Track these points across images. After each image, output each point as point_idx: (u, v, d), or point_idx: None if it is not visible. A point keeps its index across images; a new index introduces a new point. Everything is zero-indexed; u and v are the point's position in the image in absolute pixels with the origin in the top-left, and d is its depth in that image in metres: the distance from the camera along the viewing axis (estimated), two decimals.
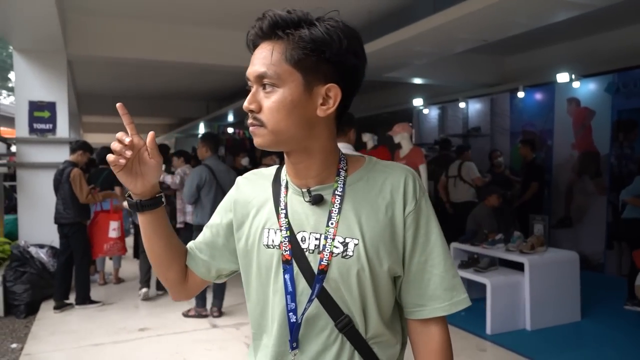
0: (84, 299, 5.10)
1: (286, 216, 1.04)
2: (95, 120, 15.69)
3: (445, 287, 1.03)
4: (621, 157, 6.19)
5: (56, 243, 5.61)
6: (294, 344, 1.02)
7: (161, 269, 1.15)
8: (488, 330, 4.18)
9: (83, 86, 10.06)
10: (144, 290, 5.38)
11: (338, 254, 0.99)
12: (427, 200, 1.05)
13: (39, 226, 5.66)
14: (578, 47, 6.76)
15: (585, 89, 6.61)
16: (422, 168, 5.39)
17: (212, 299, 4.81)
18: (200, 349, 4.02)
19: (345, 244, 0.99)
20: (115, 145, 1.01)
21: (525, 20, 4.77)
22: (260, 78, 0.97)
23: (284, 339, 1.03)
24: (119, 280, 6.15)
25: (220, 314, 4.79)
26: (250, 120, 0.99)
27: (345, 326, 1.00)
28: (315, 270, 1.00)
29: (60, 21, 4.79)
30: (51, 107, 5.79)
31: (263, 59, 0.96)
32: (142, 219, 1.09)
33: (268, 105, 0.97)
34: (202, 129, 15.43)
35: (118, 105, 1.03)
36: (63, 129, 5.87)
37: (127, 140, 1.00)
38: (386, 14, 5.76)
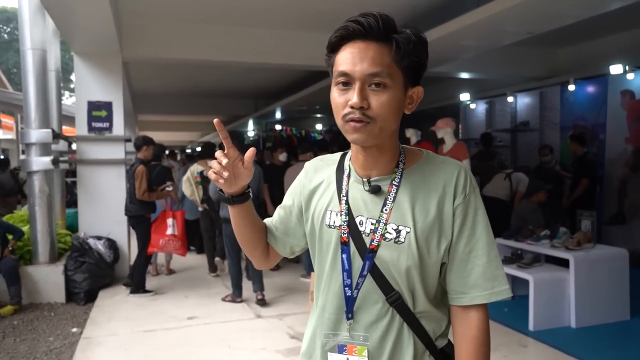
0: (138, 288, 5.39)
1: (347, 202, 1.15)
2: (149, 119, 16.30)
3: (487, 277, 1.11)
4: None
5: (113, 235, 5.97)
6: (349, 315, 1.13)
7: (249, 249, 1.31)
8: (530, 327, 4.13)
9: (138, 86, 10.49)
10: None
11: (391, 239, 1.10)
12: (477, 195, 1.13)
13: (97, 219, 6.01)
14: (632, 37, 6.48)
15: None
16: (466, 163, 5.36)
17: (252, 284, 5.09)
18: (245, 337, 4.18)
19: (398, 231, 1.09)
20: (214, 165, 1.13)
21: (574, 10, 4.63)
22: (371, 77, 1.03)
23: (341, 309, 1.15)
24: (171, 272, 6.43)
25: (263, 297, 5.04)
26: (357, 116, 1.03)
27: (396, 301, 1.10)
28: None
29: (115, 25, 5.06)
30: (108, 106, 6.11)
31: (373, 59, 1.02)
32: (232, 210, 1.22)
33: (379, 102, 1.03)
34: (251, 126, 15.76)
35: (215, 121, 1.14)
36: (119, 127, 6.18)
37: (224, 161, 1.11)
38: (430, 8, 5.74)
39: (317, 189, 1.23)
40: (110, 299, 5.30)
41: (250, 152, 1.13)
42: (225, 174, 1.12)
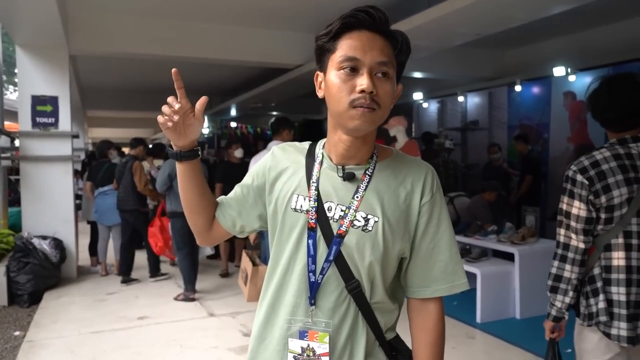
0: (155, 273, 5.88)
1: (316, 189, 1.16)
2: (99, 115, 15.81)
3: (448, 271, 1.17)
4: None
5: (59, 234, 5.76)
6: (312, 301, 1.14)
7: (192, 215, 1.29)
8: (478, 319, 4.27)
9: (87, 81, 10.16)
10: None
11: (359, 226, 1.12)
12: (441, 195, 1.19)
13: (42, 218, 5.78)
14: (574, 41, 6.79)
15: (581, 82, 6.63)
16: None
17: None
18: (197, 336, 4.12)
19: (367, 219, 1.12)
20: (165, 109, 1.13)
21: (520, 14, 4.80)
22: (379, 65, 1.06)
23: (301, 294, 1.15)
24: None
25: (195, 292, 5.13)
26: (368, 102, 1.05)
27: (354, 289, 1.13)
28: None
29: (61, 17, 4.88)
30: (53, 101, 5.89)
31: (382, 49, 1.07)
32: (179, 168, 1.22)
33: (385, 90, 1.07)
34: (205, 124, 15.51)
35: (173, 70, 1.13)
36: (65, 122, 5.97)
37: (176, 106, 1.12)
38: (383, 8, 5.82)
39: (284, 172, 1.23)
40: (56, 301, 5.11)
41: (202, 100, 1.15)
42: (176, 117, 1.12)
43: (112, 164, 6.22)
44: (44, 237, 5.60)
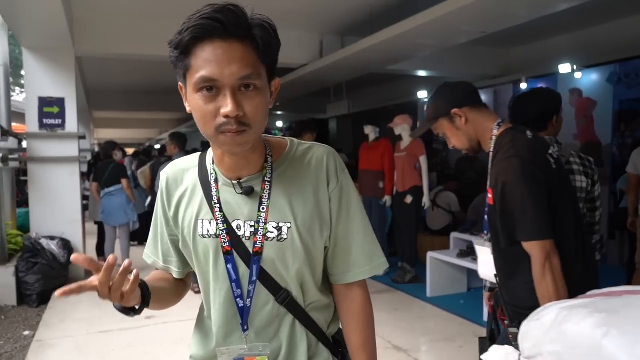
0: None
1: (221, 210, 1.07)
2: (105, 116, 15.87)
3: (366, 253, 1.13)
4: (623, 147, 6.21)
5: (67, 235, 5.80)
6: (245, 327, 1.09)
7: (175, 303, 1.24)
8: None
9: (93, 82, 10.21)
10: None
11: (273, 238, 1.06)
12: (347, 176, 1.13)
13: (50, 218, 5.83)
14: (579, 38, 6.77)
15: (587, 79, 6.63)
16: (423, 159, 5.47)
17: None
18: None
19: (279, 228, 1.06)
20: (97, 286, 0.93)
21: (524, 11, 4.79)
22: (242, 79, 0.94)
23: (230, 320, 1.10)
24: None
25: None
26: (235, 127, 0.94)
27: (285, 299, 1.09)
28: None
29: (67, 19, 4.91)
30: (60, 102, 5.93)
31: (242, 59, 0.93)
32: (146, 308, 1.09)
33: (254, 107, 0.96)
34: None
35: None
36: (72, 123, 6.00)
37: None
38: (387, 7, 5.82)
39: (182, 198, 1.13)
40: (64, 301, 5.11)
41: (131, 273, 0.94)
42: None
43: (118, 164, 6.26)
44: (52, 238, 5.64)
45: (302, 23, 6.41)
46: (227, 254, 1.07)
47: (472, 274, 4.59)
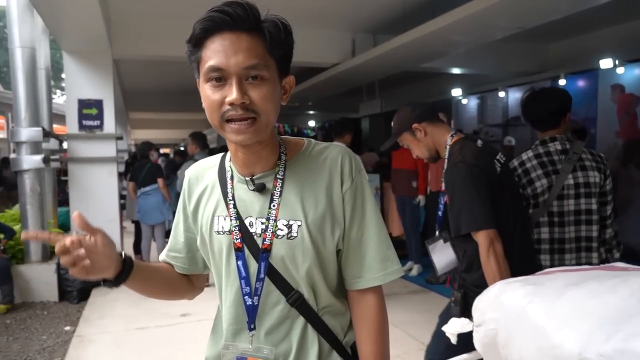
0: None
1: (234, 206, 1.09)
2: (141, 117, 16.23)
3: (380, 258, 1.09)
4: None
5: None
6: (252, 325, 1.08)
7: (172, 298, 1.26)
8: None
9: (129, 83, 10.44)
10: None
11: (283, 235, 1.05)
12: (362, 177, 1.11)
13: (89, 217, 5.69)
14: (621, 31, 6.52)
15: (630, 74, 6.39)
16: None
17: None
18: None
19: (289, 226, 1.05)
20: (64, 259, 0.96)
21: (564, 5, 4.64)
22: (248, 70, 0.96)
23: (240, 318, 1.09)
24: None
25: None
26: (239, 113, 0.96)
27: (297, 300, 1.07)
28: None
29: (104, 23, 5.03)
30: (98, 104, 6.08)
31: (248, 50, 0.96)
32: (126, 285, 1.08)
33: (261, 95, 0.97)
34: None
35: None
36: (110, 125, 6.15)
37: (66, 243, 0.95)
38: (420, 4, 5.74)
39: (202, 196, 1.16)
40: (103, 297, 5.29)
41: (78, 218, 0.98)
42: (77, 252, 0.96)
43: (154, 164, 6.38)
44: None
45: (333, 22, 6.40)
46: (238, 251, 1.08)
47: None
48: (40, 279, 5.26)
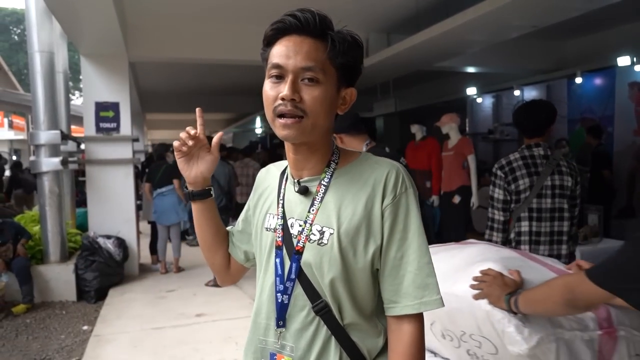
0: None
1: (282, 205, 1.13)
2: (157, 118, 16.39)
3: (418, 285, 1.03)
4: None
5: (122, 234, 6.03)
6: (280, 322, 1.10)
7: (209, 254, 1.30)
8: None
9: (145, 85, 10.55)
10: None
11: (315, 240, 1.06)
12: (409, 196, 1.06)
13: (106, 218, 6.08)
14: (639, 28, 6.42)
15: None
16: (471, 158, 5.35)
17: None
18: None
19: (322, 232, 1.06)
20: (182, 134, 1.17)
21: (579, 3, 4.58)
22: (303, 70, 1.01)
23: (271, 315, 1.12)
24: (179, 270, 6.49)
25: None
26: (288, 108, 1.00)
27: (321, 310, 1.06)
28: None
29: (120, 27, 5.10)
30: (115, 107, 6.17)
31: (308, 53, 1.01)
32: (194, 207, 1.25)
33: (312, 96, 1.01)
34: (258, 124, 15.82)
35: (198, 109, 1.22)
36: (126, 127, 6.24)
37: (192, 132, 1.17)
38: (434, 3, 5.71)
39: (264, 193, 1.23)
40: (120, 297, 5.37)
41: (218, 136, 1.20)
42: (190, 142, 1.17)
43: (170, 165, 6.45)
44: (108, 237, 5.89)
45: (347, 22, 6.24)
46: (278, 249, 1.11)
47: None
48: (59, 278, 5.36)
